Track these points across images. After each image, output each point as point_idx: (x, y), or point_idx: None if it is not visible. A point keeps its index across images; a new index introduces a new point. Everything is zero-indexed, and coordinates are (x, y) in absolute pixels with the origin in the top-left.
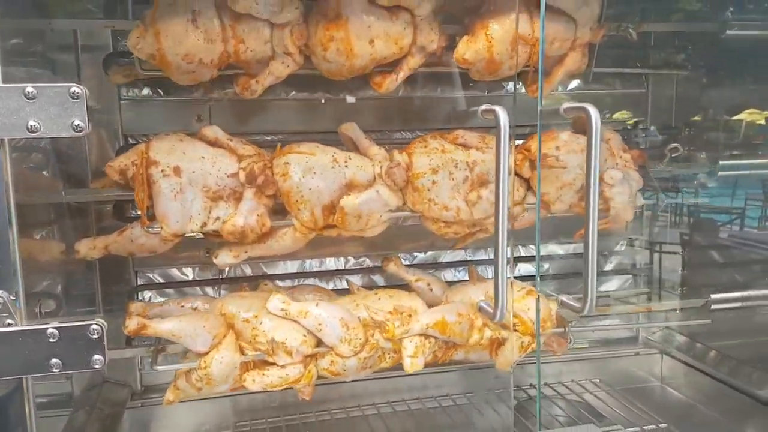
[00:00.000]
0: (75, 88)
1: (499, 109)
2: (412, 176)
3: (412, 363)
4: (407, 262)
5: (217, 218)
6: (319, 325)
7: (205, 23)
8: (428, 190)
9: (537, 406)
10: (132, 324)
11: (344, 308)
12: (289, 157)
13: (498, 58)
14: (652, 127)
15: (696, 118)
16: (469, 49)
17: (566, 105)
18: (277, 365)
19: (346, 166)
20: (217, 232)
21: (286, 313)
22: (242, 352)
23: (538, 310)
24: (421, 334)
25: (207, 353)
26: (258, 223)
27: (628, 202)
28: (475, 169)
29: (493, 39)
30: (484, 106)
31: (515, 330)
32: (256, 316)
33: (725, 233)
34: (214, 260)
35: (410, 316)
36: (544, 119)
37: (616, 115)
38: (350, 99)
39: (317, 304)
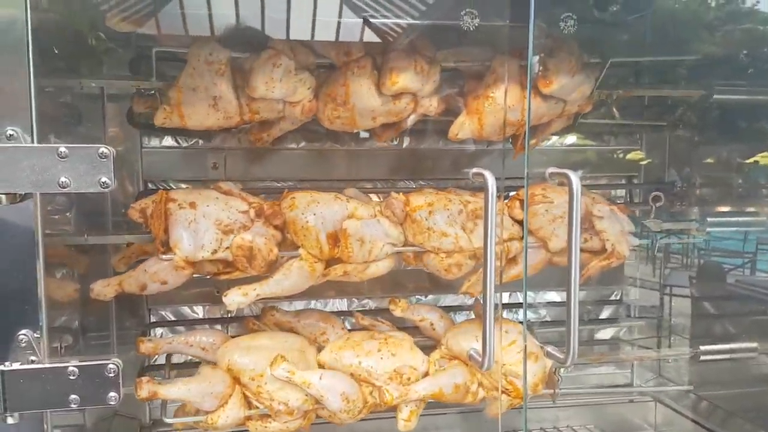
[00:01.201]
0: (103, 149)
1: (487, 173)
2: (410, 210)
3: (406, 425)
4: None
5: (227, 247)
6: (321, 396)
7: (225, 106)
8: (426, 219)
9: None
10: (143, 392)
11: (346, 379)
12: (295, 193)
13: (487, 135)
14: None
15: (691, 171)
16: (462, 130)
17: (551, 170)
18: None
19: (347, 202)
20: (227, 262)
21: (290, 381)
22: (247, 404)
23: (524, 359)
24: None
25: (214, 411)
26: (266, 246)
27: (620, 234)
28: (468, 206)
29: (484, 123)
30: (474, 170)
31: (507, 393)
32: (261, 375)
33: (733, 278)
34: (224, 299)
35: (410, 378)
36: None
37: (630, 156)
38: None
39: (321, 377)
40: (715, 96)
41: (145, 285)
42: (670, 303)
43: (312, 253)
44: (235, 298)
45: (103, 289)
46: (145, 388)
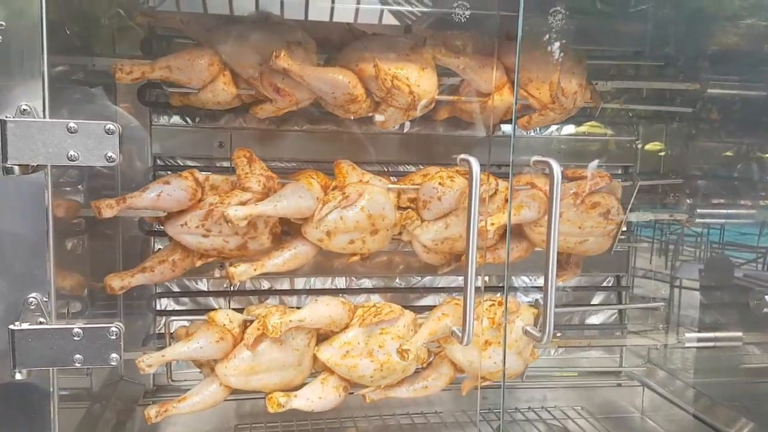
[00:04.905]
0: (110, 126)
1: (472, 159)
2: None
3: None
4: (404, 285)
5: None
6: None
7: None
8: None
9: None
10: (157, 419)
11: (334, 399)
12: None
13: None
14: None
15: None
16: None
17: (535, 158)
18: None
19: None
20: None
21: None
22: None
23: (504, 338)
24: None
25: None
26: (264, 166)
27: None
28: None
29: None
30: (461, 156)
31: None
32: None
33: (741, 273)
34: (226, 212)
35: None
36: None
37: (648, 146)
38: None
39: (312, 411)
40: (709, 90)
41: (147, 186)
42: (674, 293)
43: (308, 174)
44: (233, 211)
45: (107, 203)
46: (156, 417)
